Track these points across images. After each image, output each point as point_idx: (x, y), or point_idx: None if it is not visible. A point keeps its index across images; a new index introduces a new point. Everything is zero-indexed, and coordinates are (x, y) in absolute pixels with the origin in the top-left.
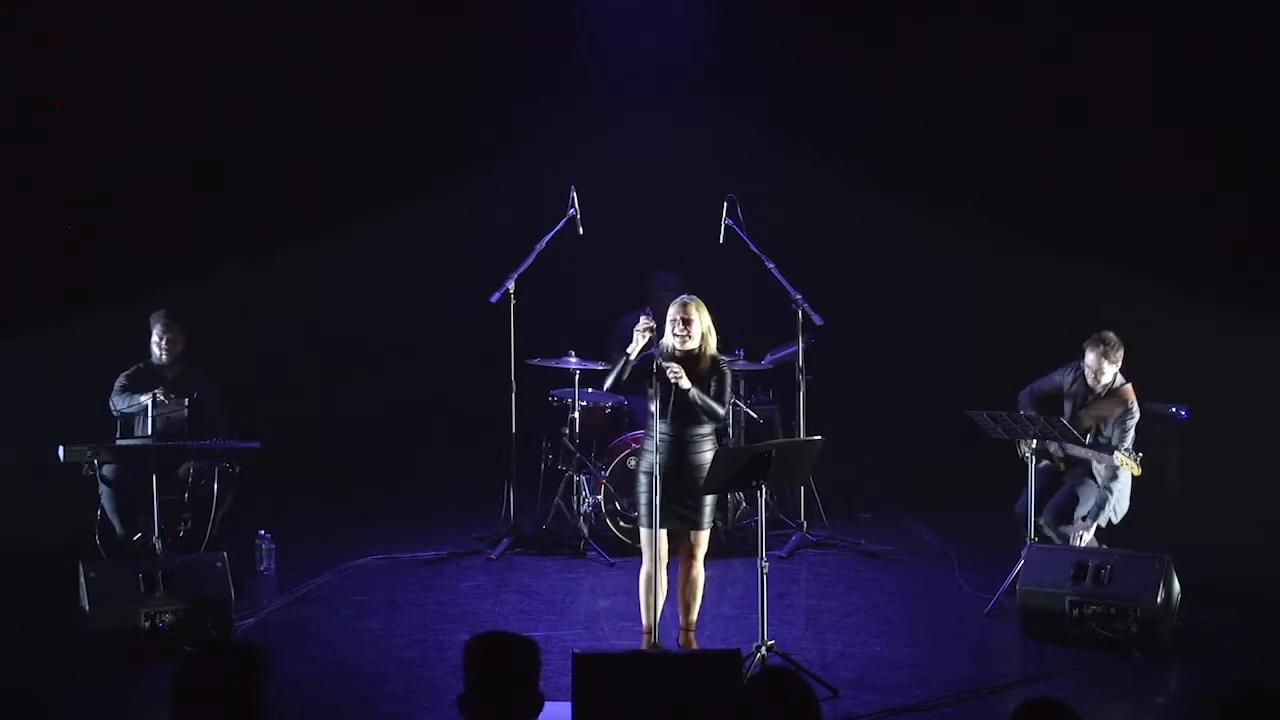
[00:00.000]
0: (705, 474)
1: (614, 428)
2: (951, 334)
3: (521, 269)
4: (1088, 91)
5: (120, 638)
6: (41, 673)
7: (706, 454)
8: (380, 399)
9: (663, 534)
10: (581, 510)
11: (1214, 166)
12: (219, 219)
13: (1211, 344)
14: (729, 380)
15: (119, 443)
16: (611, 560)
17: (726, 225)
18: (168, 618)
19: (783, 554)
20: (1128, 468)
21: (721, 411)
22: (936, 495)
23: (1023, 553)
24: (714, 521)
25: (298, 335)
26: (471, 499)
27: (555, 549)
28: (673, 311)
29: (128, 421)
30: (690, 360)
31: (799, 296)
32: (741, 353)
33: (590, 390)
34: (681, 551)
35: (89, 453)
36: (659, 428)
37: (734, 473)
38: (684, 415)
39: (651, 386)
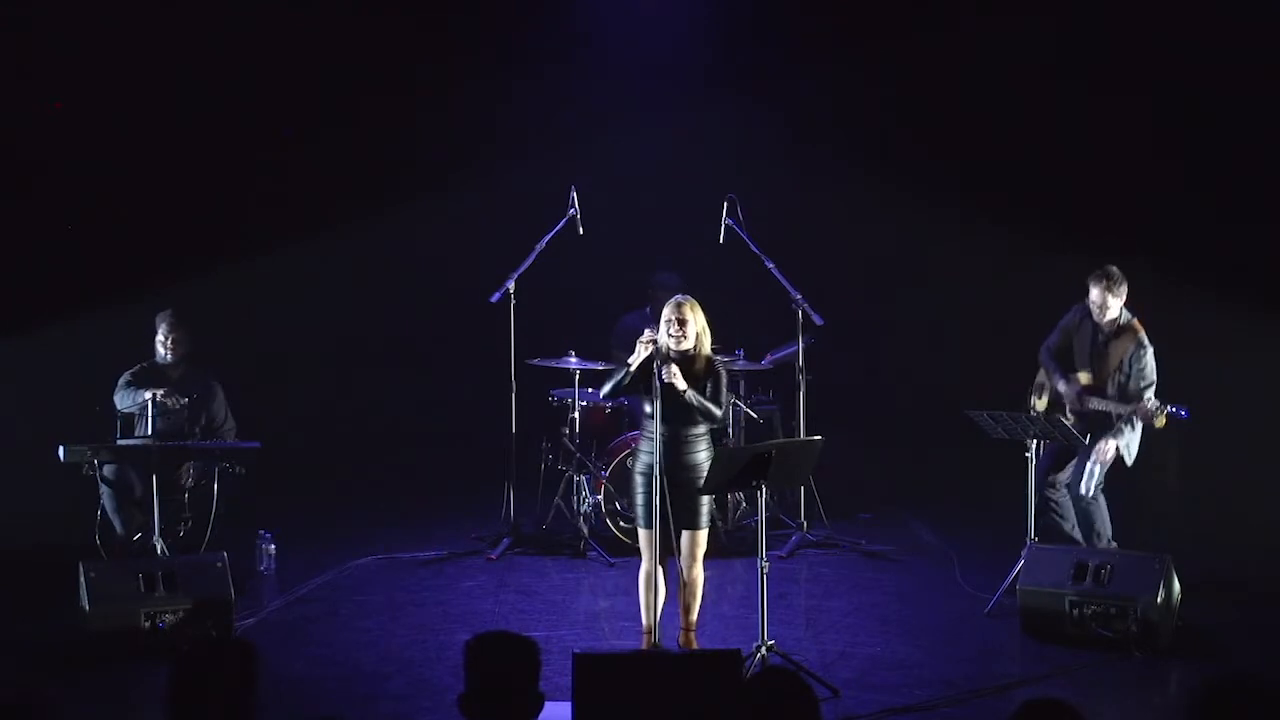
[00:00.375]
0: (701, 474)
1: (614, 428)
2: (951, 334)
3: (521, 269)
4: (1088, 91)
5: (120, 638)
6: (41, 673)
7: (702, 454)
8: (380, 399)
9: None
10: (581, 510)
11: (1214, 166)
12: (219, 219)
13: (1211, 344)
14: (724, 380)
15: (119, 443)
16: (611, 560)
17: (726, 225)
18: (168, 618)
19: (783, 554)
20: (1162, 423)
21: (718, 413)
22: (936, 495)
23: (1023, 553)
24: (713, 521)
25: (298, 335)
26: (471, 499)
27: (555, 549)
28: (668, 312)
29: (128, 421)
30: (685, 361)
31: (799, 296)
32: (741, 353)
33: (590, 390)
34: (680, 552)
35: (89, 453)
36: (654, 428)
37: (734, 473)
38: (679, 415)
39: (650, 389)
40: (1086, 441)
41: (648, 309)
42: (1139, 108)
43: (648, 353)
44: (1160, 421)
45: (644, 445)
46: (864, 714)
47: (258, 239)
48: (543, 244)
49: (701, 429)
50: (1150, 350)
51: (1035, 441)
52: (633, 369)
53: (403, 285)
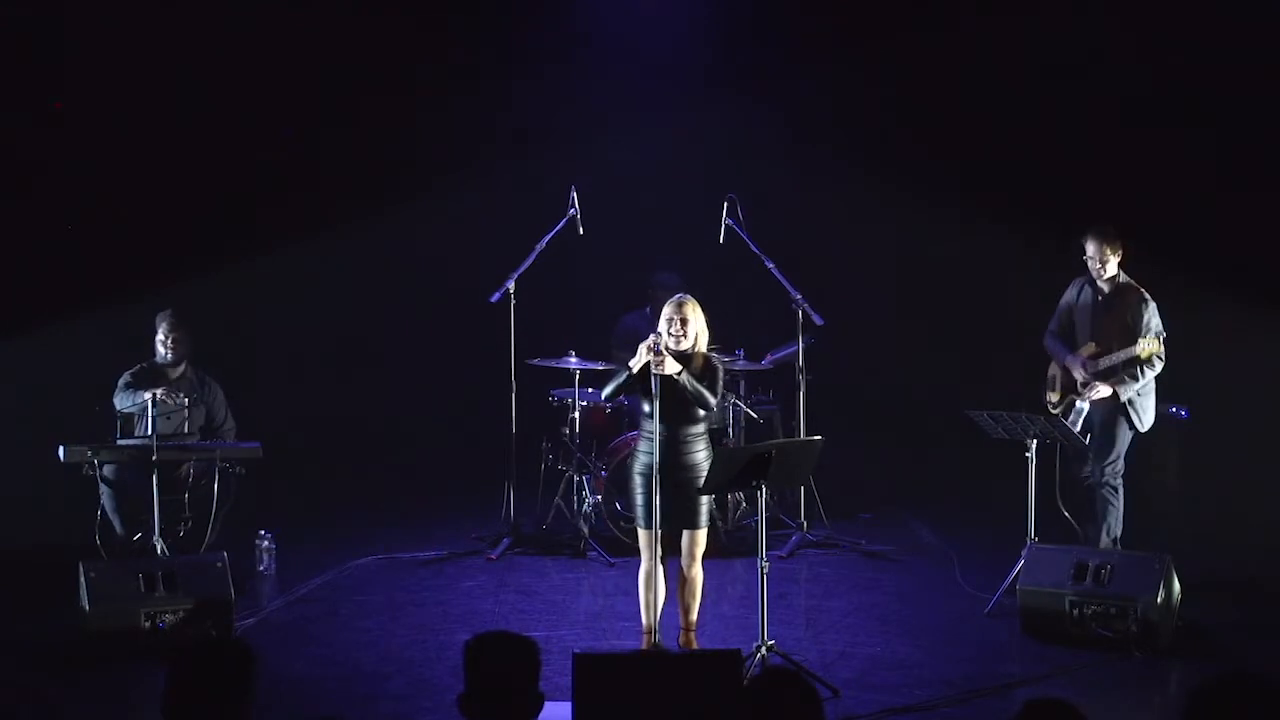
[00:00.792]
0: (699, 473)
1: (614, 428)
2: (951, 334)
3: (521, 269)
4: (1088, 90)
5: (120, 638)
6: (41, 673)
7: (700, 454)
8: (380, 399)
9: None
10: (581, 510)
11: (1214, 166)
12: (220, 219)
13: (1211, 344)
14: (720, 374)
15: (119, 443)
16: (611, 560)
17: (726, 225)
18: (168, 618)
19: (783, 554)
20: (1150, 351)
21: (712, 400)
22: (936, 495)
23: (1023, 553)
24: (714, 521)
25: (298, 335)
26: (471, 499)
27: (555, 549)
28: (669, 311)
29: (128, 421)
30: (683, 359)
31: (799, 296)
32: (741, 353)
33: (590, 390)
34: (679, 551)
35: (89, 453)
36: (651, 428)
37: (734, 473)
38: (677, 415)
39: (650, 389)
40: (1087, 441)
41: (648, 309)
42: (1139, 107)
43: (651, 358)
44: (1158, 347)
45: (643, 445)
46: (864, 714)
47: (258, 239)
48: (543, 244)
49: (700, 428)
50: (1154, 305)
51: (1035, 441)
52: (634, 370)
53: (403, 285)
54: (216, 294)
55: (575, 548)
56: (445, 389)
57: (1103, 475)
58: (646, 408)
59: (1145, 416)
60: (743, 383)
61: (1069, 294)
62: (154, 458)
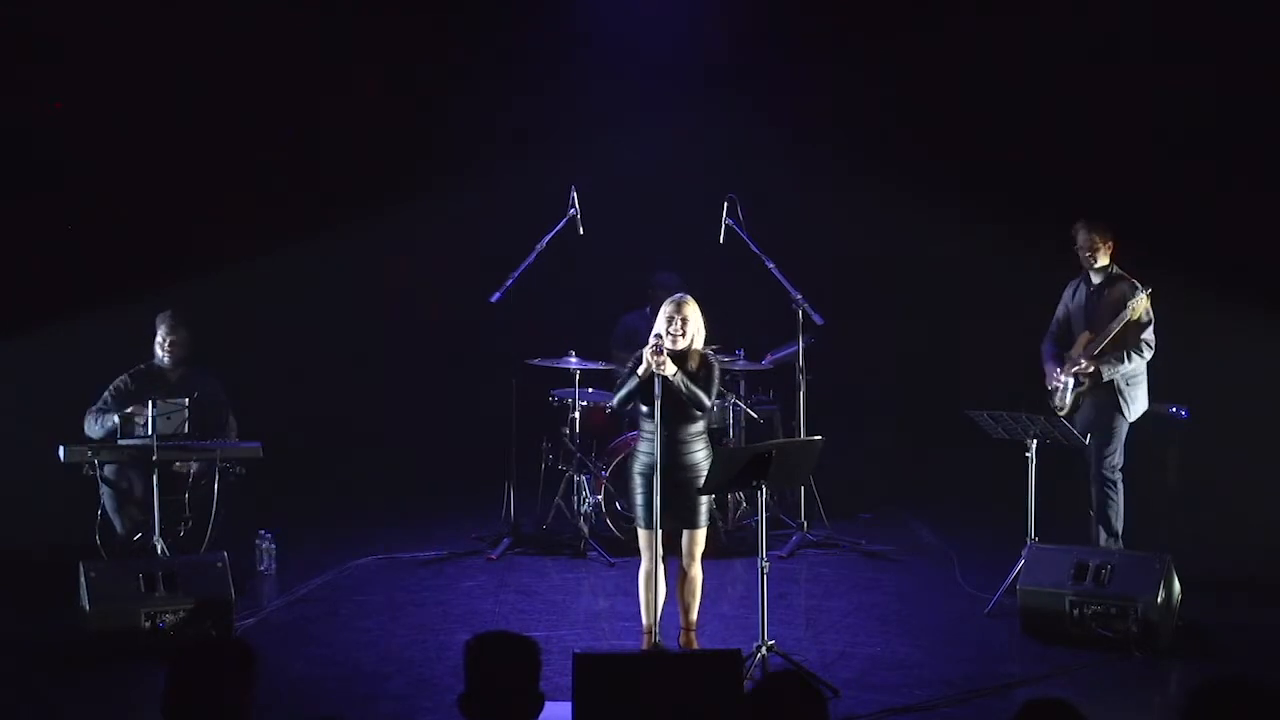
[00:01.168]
0: (698, 473)
1: (614, 428)
2: (951, 334)
3: (521, 269)
4: (1089, 90)
5: (120, 638)
6: (41, 673)
7: (699, 453)
8: (380, 399)
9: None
10: (581, 510)
11: (1214, 166)
12: (219, 219)
13: (1211, 344)
14: (717, 372)
15: (119, 443)
16: (611, 560)
17: (726, 225)
18: (168, 618)
19: (783, 554)
20: (1141, 308)
21: (707, 401)
22: (936, 495)
23: (1023, 553)
24: (714, 521)
25: (298, 335)
26: (471, 499)
27: (555, 549)
28: (669, 309)
29: (128, 422)
30: (679, 358)
31: (799, 296)
32: (742, 353)
33: (590, 390)
34: (678, 551)
35: (89, 453)
36: (650, 428)
37: (734, 473)
38: (675, 414)
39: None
40: (1087, 441)
41: (648, 309)
42: (1139, 107)
43: (653, 359)
44: (1145, 302)
45: (642, 445)
46: (864, 714)
47: (258, 239)
48: (543, 244)
49: (698, 428)
50: (1144, 292)
51: (1035, 441)
52: (642, 376)
53: (402, 285)
54: (216, 294)
55: (575, 548)
56: (445, 389)
57: (1101, 470)
58: (645, 408)
59: (1134, 405)
60: (743, 383)
61: (1065, 295)
62: (154, 458)
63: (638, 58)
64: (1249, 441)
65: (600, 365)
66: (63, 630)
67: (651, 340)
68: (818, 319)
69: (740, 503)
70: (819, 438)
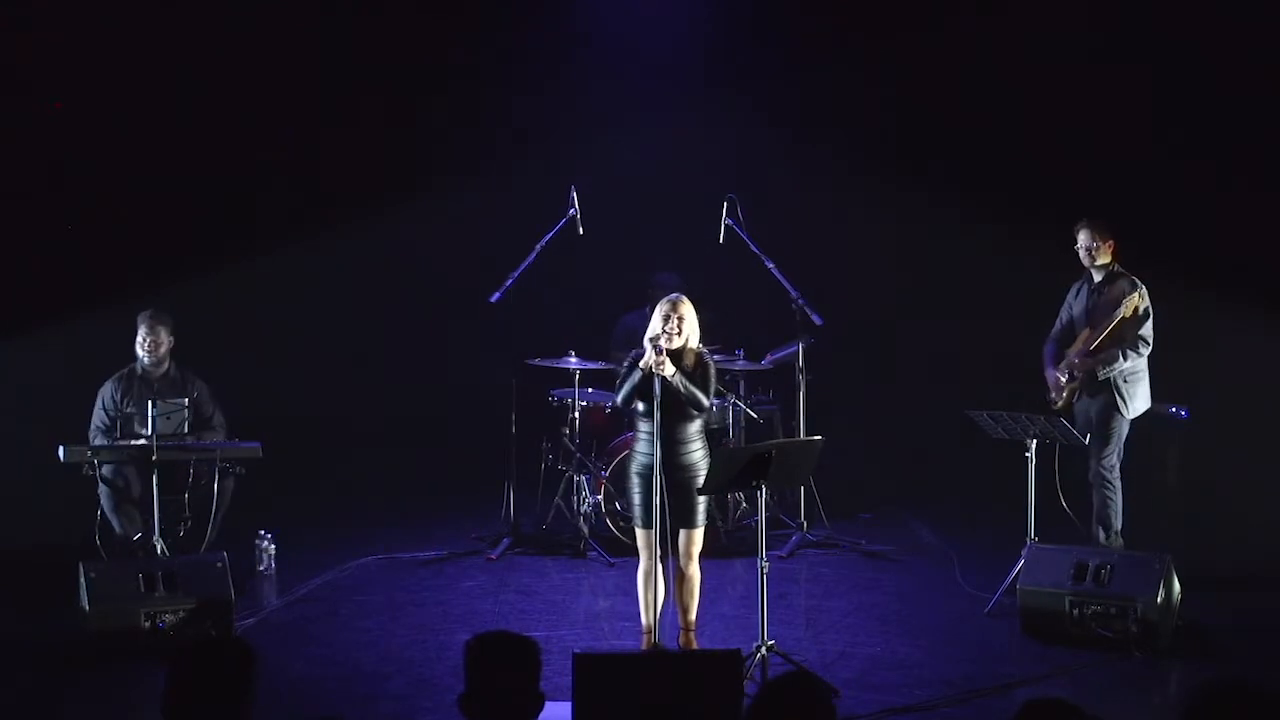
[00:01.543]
0: (696, 473)
1: (614, 428)
2: (951, 333)
3: (521, 269)
4: (1089, 90)
5: (120, 638)
6: (41, 673)
7: (696, 453)
8: (380, 399)
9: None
10: (581, 510)
11: (1214, 166)
12: (220, 219)
13: (1211, 344)
14: (713, 371)
15: (119, 443)
16: (611, 560)
17: (726, 225)
18: (168, 618)
19: (783, 554)
20: (1134, 305)
21: (705, 401)
22: (936, 495)
23: (1023, 553)
24: (714, 521)
25: (298, 335)
26: (471, 499)
27: (555, 549)
28: (665, 309)
29: (127, 422)
30: (675, 356)
31: (799, 296)
32: (741, 353)
33: (590, 390)
34: (676, 551)
35: (89, 453)
36: (647, 428)
37: (734, 473)
38: (672, 414)
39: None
40: (1086, 441)
41: (647, 309)
42: (1140, 107)
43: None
44: (1134, 302)
45: (639, 446)
46: (864, 714)
47: (258, 239)
48: (543, 244)
49: (695, 427)
50: (1144, 289)
51: (1035, 441)
52: (643, 370)
53: (403, 285)
54: (216, 294)
55: (575, 548)
56: (445, 389)
57: (1100, 469)
58: (643, 407)
59: (1134, 404)
60: (743, 383)
61: (1068, 296)
62: (154, 458)
63: (638, 58)
64: (1249, 441)
65: (600, 365)
66: (63, 630)
67: (648, 340)
68: (817, 319)
69: (740, 503)
70: (819, 438)
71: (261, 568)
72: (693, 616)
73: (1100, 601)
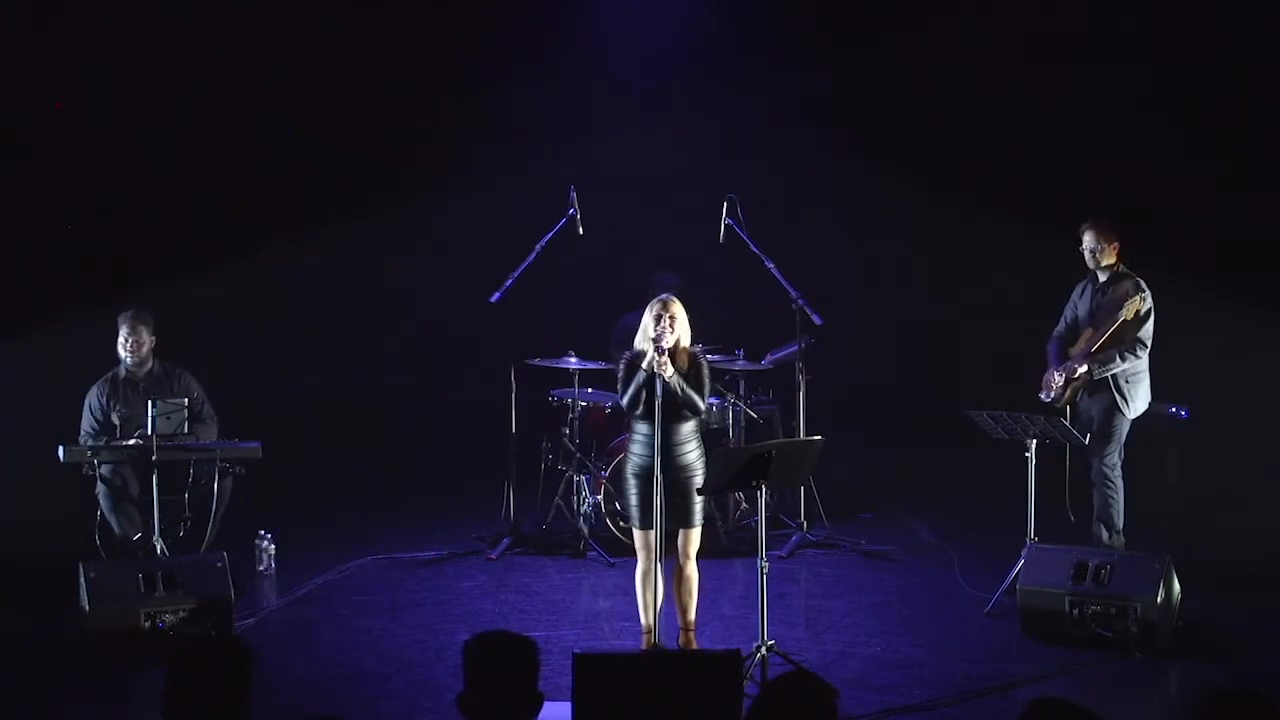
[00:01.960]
0: (692, 473)
1: (614, 428)
2: (952, 334)
3: (521, 269)
4: (1089, 90)
5: (120, 638)
6: (41, 673)
7: (692, 453)
8: (380, 399)
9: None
10: (581, 510)
11: (1214, 166)
12: (220, 219)
13: (1211, 344)
14: (706, 371)
15: (119, 443)
16: (611, 560)
17: (726, 225)
18: (168, 618)
19: (783, 554)
20: (1135, 308)
21: (701, 404)
22: (936, 495)
23: (1023, 553)
24: (713, 521)
25: (298, 335)
26: (471, 499)
27: (555, 549)
28: (658, 309)
29: (126, 421)
30: (669, 357)
31: (799, 296)
32: (741, 353)
33: (590, 390)
34: (674, 551)
35: (89, 453)
36: (643, 429)
37: (734, 473)
38: (667, 415)
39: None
40: (1086, 441)
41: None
42: (1141, 107)
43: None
44: (1135, 304)
45: (634, 447)
46: (864, 714)
47: (258, 238)
48: (543, 244)
49: (690, 427)
50: (1149, 294)
51: (1035, 441)
52: (647, 372)
53: (403, 285)
54: (216, 294)
55: (575, 548)
56: (445, 389)
57: (1102, 468)
58: (641, 409)
59: (1134, 404)
60: (743, 383)
61: (1073, 295)
62: (154, 458)
63: (638, 57)
64: (1249, 441)
65: (600, 365)
66: (63, 630)
67: (650, 341)
68: (817, 319)
69: (740, 503)
70: (819, 438)
71: (261, 568)
72: (692, 616)
73: (1100, 601)
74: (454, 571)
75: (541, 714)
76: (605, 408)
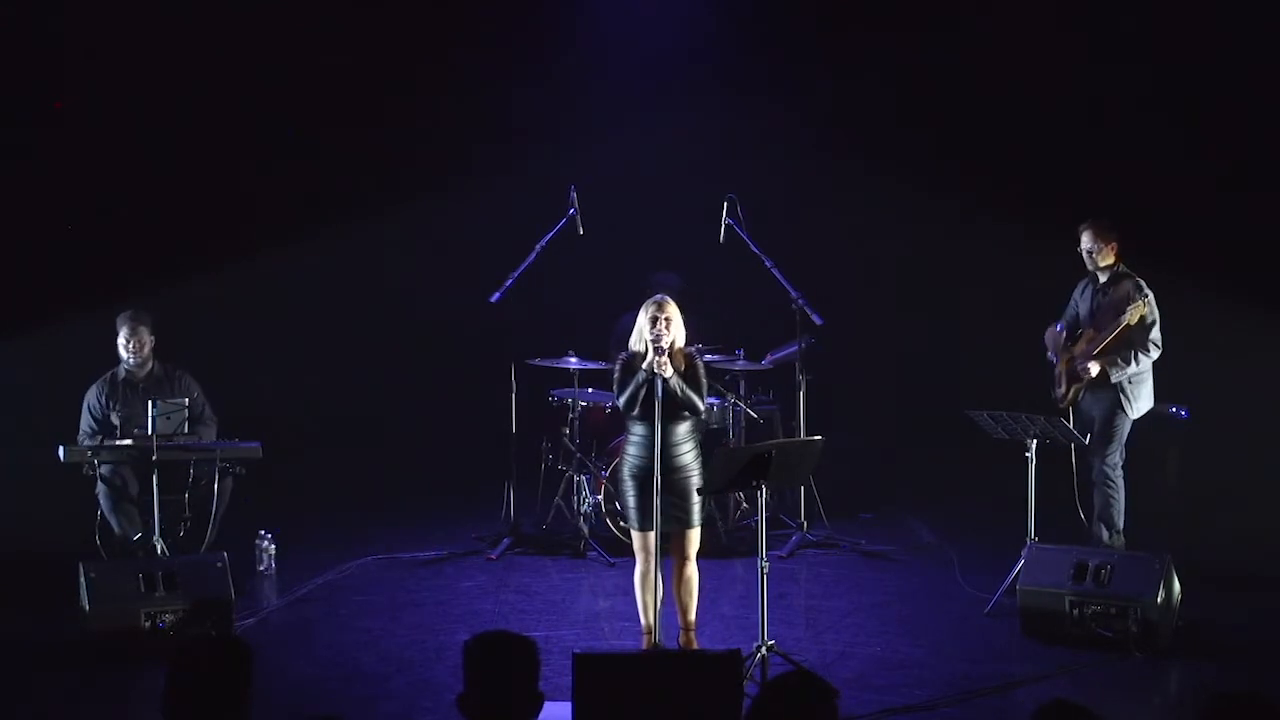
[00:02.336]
0: (689, 473)
1: (614, 428)
2: (952, 334)
3: (521, 269)
4: (1090, 90)
5: (120, 638)
6: (41, 673)
7: (689, 454)
8: (380, 399)
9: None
10: (581, 510)
11: (1214, 166)
12: (221, 219)
13: (1211, 344)
14: (703, 371)
15: (119, 443)
16: (611, 560)
17: (726, 225)
18: (168, 618)
19: (783, 554)
20: (1138, 314)
21: (701, 405)
22: (936, 495)
23: (1023, 553)
24: (712, 518)
25: (298, 335)
26: (471, 499)
27: (555, 549)
28: (653, 310)
29: (126, 421)
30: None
31: (799, 296)
32: (741, 353)
33: (590, 390)
34: (673, 551)
35: (89, 453)
36: (640, 430)
37: (734, 473)
38: (666, 415)
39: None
40: (1086, 441)
41: None
42: (1141, 107)
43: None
44: (1139, 310)
45: (631, 449)
46: (864, 714)
47: (258, 238)
48: (543, 244)
49: (687, 428)
50: (1150, 294)
51: (1035, 441)
52: (647, 373)
53: (403, 285)
54: (216, 293)
55: (575, 548)
56: (445, 389)
57: (1103, 467)
58: (639, 410)
59: (1137, 404)
60: (743, 383)
61: (1074, 294)
62: (154, 458)
63: (638, 57)
64: (1249, 441)
65: (600, 365)
66: (63, 630)
67: (646, 343)
68: (817, 319)
69: (740, 503)
70: (819, 438)
71: (261, 568)
72: (692, 616)
73: (1100, 601)
74: (454, 571)
75: (541, 714)
76: (605, 408)
